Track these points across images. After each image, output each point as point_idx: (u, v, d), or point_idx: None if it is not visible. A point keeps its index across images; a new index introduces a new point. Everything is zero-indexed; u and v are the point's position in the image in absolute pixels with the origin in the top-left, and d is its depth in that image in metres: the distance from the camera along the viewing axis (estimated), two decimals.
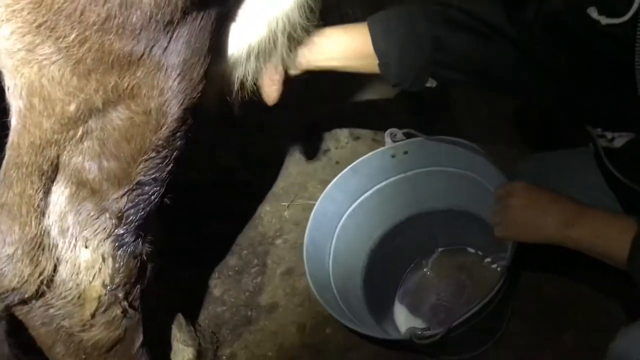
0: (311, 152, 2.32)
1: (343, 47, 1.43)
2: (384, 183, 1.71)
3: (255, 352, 1.82)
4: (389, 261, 1.79)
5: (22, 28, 0.88)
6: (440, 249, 1.82)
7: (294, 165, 2.32)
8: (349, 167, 1.67)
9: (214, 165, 2.29)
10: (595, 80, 1.19)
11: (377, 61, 1.41)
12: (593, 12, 1.08)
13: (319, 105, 2.35)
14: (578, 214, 1.25)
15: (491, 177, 1.51)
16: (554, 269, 1.77)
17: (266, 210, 2.19)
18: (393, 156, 1.66)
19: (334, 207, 1.67)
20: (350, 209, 1.70)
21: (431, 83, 1.43)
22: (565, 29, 1.17)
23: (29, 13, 0.86)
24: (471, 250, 1.80)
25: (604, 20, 1.07)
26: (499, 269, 1.73)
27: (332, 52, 1.43)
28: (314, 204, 2.17)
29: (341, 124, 2.36)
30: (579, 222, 1.23)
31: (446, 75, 1.41)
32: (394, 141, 1.63)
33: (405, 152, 1.65)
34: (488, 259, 1.76)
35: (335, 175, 2.25)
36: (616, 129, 1.32)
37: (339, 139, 2.34)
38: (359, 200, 1.70)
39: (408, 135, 1.62)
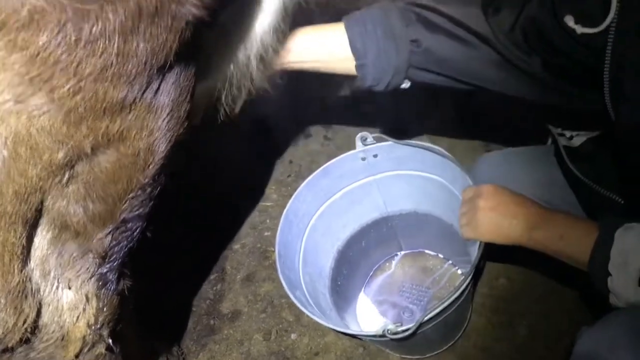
0: (263, 151, 2.30)
1: (318, 49, 1.40)
2: (353, 185, 1.74)
3: None
4: (355, 263, 1.82)
5: (12, 80, 0.82)
6: (403, 252, 1.88)
7: (246, 165, 2.29)
8: (320, 168, 1.69)
9: None
10: (568, 85, 1.24)
11: (353, 63, 1.39)
12: (569, 21, 1.13)
13: (269, 102, 2.31)
14: (543, 217, 1.28)
15: (457, 180, 1.55)
16: (503, 260, 1.84)
17: (220, 214, 2.15)
18: (363, 159, 1.68)
19: (305, 207, 1.68)
20: (321, 209, 1.71)
21: (405, 84, 1.42)
22: (543, 35, 1.20)
23: (21, 66, 0.81)
24: (432, 253, 1.86)
25: (580, 30, 1.12)
26: (459, 271, 1.81)
27: (306, 55, 1.40)
28: (270, 206, 2.19)
29: (292, 121, 2.35)
30: (543, 226, 1.27)
31: (423, 77, 1.40)
32: (365, 145, 1.65)
33: (375, 156, 1.67)
34: (449, 262, 1.82)
35: (289, 174, 2.28)
36: (579, 129, 1.38)
37: (290, 137, 2.33)
38: (329, 201, 1.72)
39: (378, 139, 1.65)
